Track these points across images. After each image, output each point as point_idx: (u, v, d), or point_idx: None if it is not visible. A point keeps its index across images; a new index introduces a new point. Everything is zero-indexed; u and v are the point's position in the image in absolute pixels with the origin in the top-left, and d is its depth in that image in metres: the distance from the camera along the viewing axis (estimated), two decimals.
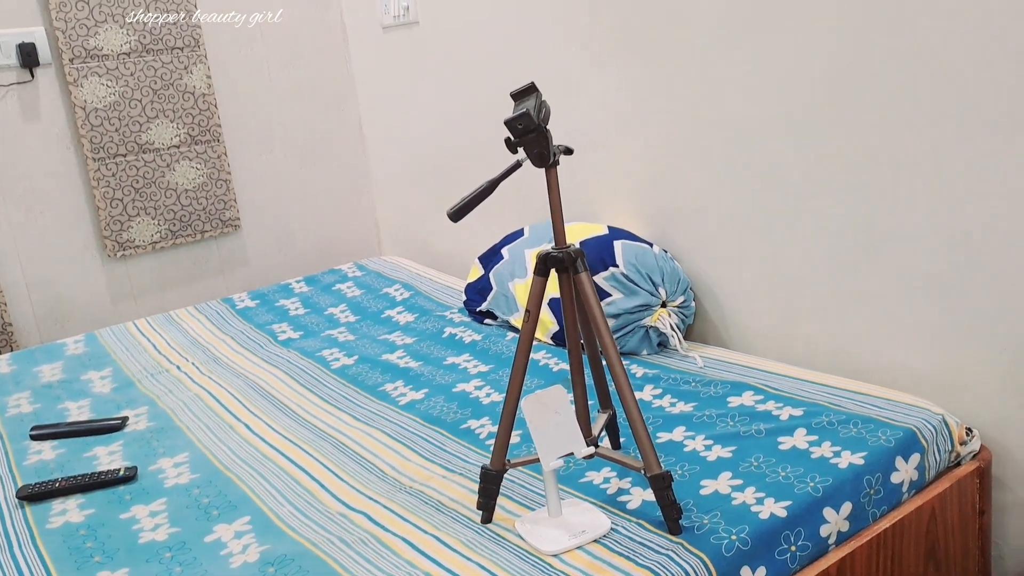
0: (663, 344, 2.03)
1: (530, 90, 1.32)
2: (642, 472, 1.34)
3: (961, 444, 1.60)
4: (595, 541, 1.33)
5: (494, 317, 2.35)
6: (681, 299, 2.02)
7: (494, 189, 1.35)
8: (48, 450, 1.88)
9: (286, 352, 2.31)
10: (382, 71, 3.07)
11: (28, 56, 2.59)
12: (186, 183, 2.89)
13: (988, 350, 1.60)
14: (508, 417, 1.40)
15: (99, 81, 2.70)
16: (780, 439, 1.56)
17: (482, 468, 1.41)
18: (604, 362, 1.47)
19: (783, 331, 1.95)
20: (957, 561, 1.60)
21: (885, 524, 1.46)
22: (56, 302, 2.77)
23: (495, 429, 1.74)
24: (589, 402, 1.75)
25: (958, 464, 1.61)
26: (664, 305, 2.01)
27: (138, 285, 2.90)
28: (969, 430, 1.62)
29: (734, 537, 1.30)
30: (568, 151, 1.38)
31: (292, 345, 2.36)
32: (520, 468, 1.58)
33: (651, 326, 1.99)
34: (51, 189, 2.71)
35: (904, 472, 1.50)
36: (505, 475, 1.56)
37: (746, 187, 1.94)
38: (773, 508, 1.36)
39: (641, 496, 1.44)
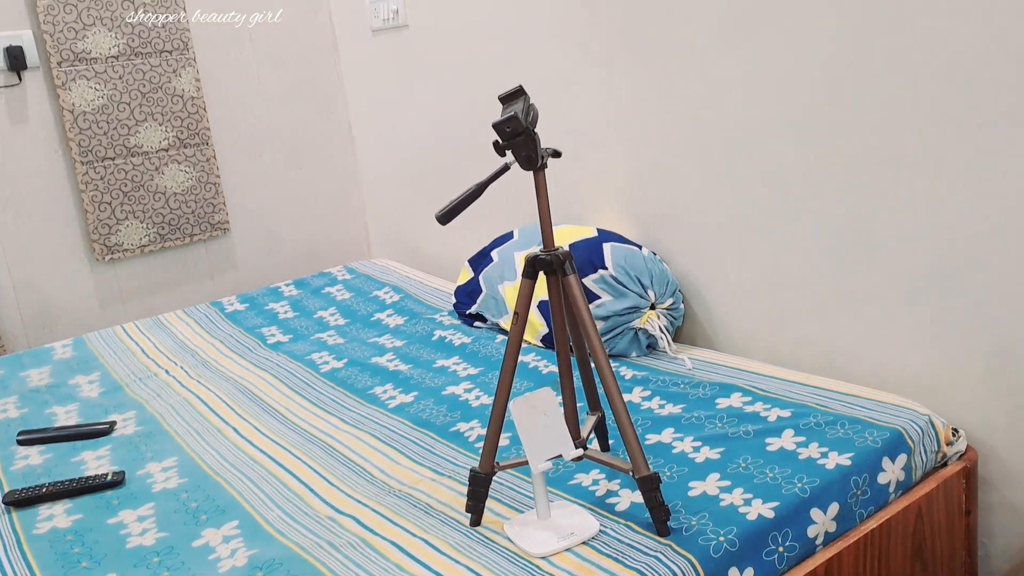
0: (652, 346, 2.03)
1: (518, 93, 1.32)
2: (630, 474, 1.34)
3: (947, 444, 1.60)
4: (584, 543, 1.33)
5: (484, 320, 2.35)
6: (670, 301, 2.03)
7: (482, 192, 1.36)
8: (35, 455, 1.87)
9: (275, 356, 2.30)
10: (371, 74, 3.07)
11: (15, 59, 2.58)
12: (175, 186, 2.88)
13: (974, 351, 1.61)
14: (497, 420, 1.40)
15: (87, 84, 2.69)
16: (768, 440, 1.57)
17: (471, 471, 1.41)
18: (592, 364, 1.47)
19: (771, 333, 1.96)
20: (944, 561, 1.61)
21: (872, 524, 1.46)
22: (44, 306, 2.76)
23: (484, 432, 1.74)
24: (578, 404, 1.75)
25: (944, 464, 1.62)
26: (653, 307, 2.01)
27: (127, 289, 2.89)
28: (955, 430, 1.63)
29: (722, 538, 1.31)
30: (556, 154, 1.39)
31: (281, 348, 2.36)
32: (509, 471, 1.59)
33: (640, 328, 1.99)
34: (39, 192, 2.70)
35: (891, 472, 1.51)
36: (494, 478, 1.56)
37: (735, 190, 1.94)
38: (761, 509, 1.37)
39: (630, 498, 1.45)
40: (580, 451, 1.40)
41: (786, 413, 1.65)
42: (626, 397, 1.81)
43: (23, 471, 1.80)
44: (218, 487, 1.65)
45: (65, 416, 2.06)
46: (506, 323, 2.24)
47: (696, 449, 1.57)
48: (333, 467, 1.68)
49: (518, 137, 1.30)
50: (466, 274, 2.42)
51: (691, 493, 1.44)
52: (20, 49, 2.59)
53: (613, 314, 1.97)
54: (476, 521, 1.43)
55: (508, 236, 2.36)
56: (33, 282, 2.73)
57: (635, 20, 2.05)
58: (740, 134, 1.90)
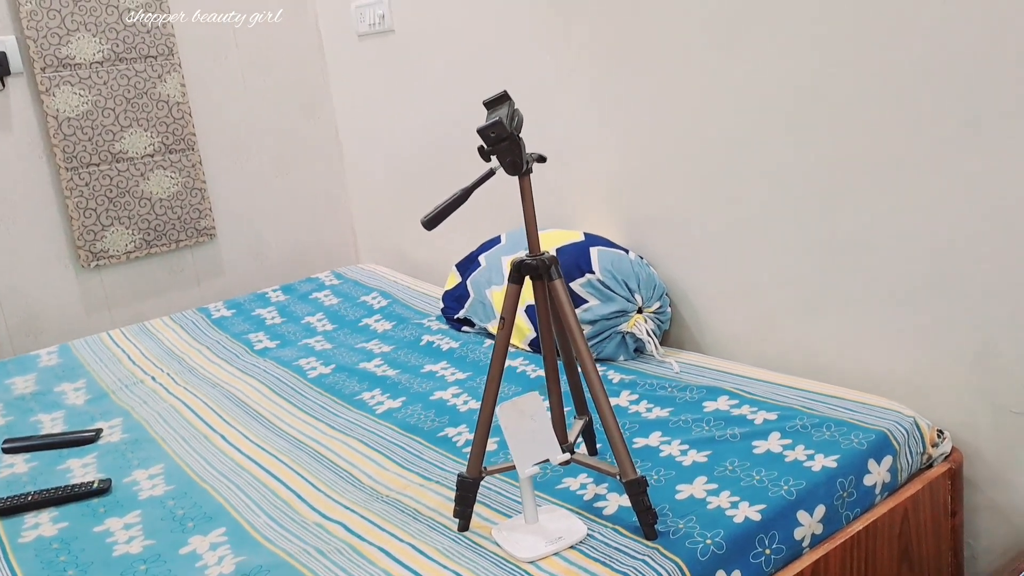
0: (639, 350, 2.04)
1: (503, 98, 1.32)
2: (618, 478, 1.35)
3: (933, 446, 1.61)
4: (571, 547, 1.34)
5: (472, 324, 2.35)
6: (657, 305, 2.03)
7: (468, 197, 1.36)
8: (21, 463, 1.86)
9: (262, 362, 2.30)
10: (358, 79, 3.07)
11: None
12: (160, 192, 2.87)
13: (959, 353, 1.62)
14: (484, 425, 1.40)
15: (71, 90, 2.68)
16: (754, 443, 1.57)
17: (458, 476, 1.41)
18: (579, 368, 1.47)
19: (758, 336, 1.97)
20: (930, 562, 1.62)
21: (858, 526, 1.47)
22: (29, 313, 2.74)
23: (472, 436, 1.74)
24: (565, 408, 1.75)
25: (930, 466, 1.63)
26: (640, 311, 2.02)
27: (112, 295, 2.87)
28: (940, 432, 1.64)
29: (709, 541, 1.31)
30: (541, 159, 1.39)
31: (268, 354, 2.35)
32: (497, 475, 1.59)
33: (627, 332, 1.99)
34: (23, 199, 2.69)
35: (877, 474, 1.52)
36: (482, 483, 1.56)
37: (721, 194, 1.95)
38: (747, 512, 1.37)
39: (617, 502, 1.45)
40: (567, 455, 1.40)
41: (772, 416, 1.66)
42: (614, 401, 1.81)
43: (8, 479, 1.79)
44: (205, 494, 1.64)
45: (51, 424, 2.05)
46: (494, 328, 2.25)
47: (683, 452, 1.58)
48: (320, 473, 1.67)
49: (503, 142, 1.30)
50: (454, 279, 2.42)
51: (678, 496, 1.44)
52: (3, 55, 2.58)
53: (600, 318, 1.98)
54: (464, 526, 1.43)
55: (496, 240, 2.37)
56: (18, 289, 2.71)
57: (622, 24, 2.06)
58: (728, 139, 1.90)
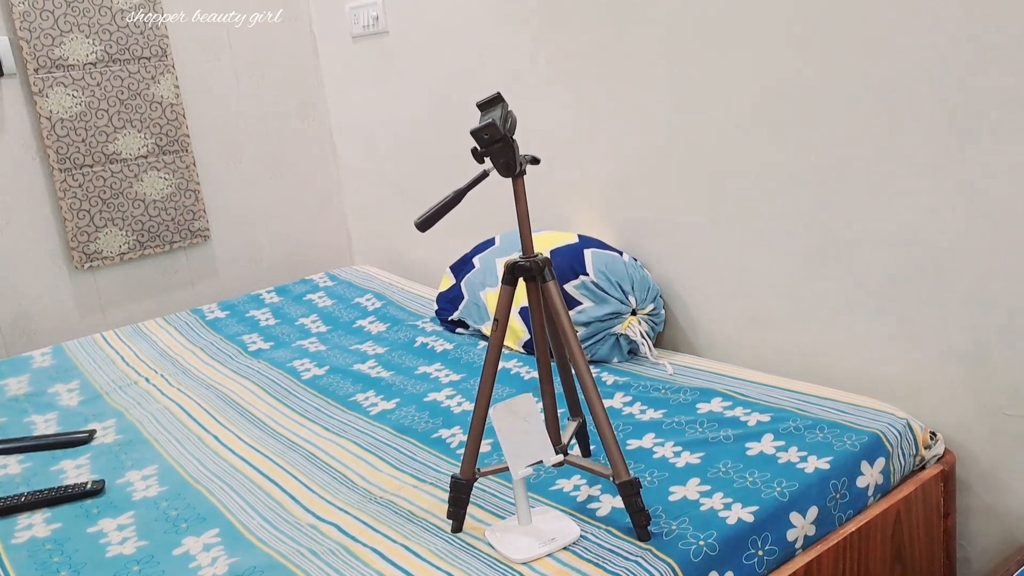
0: (633, 352, 2.04)
1: (496, 100, 1.32)
2: (611, 479, 1.35)
3: (925, 448, 1.62)
4: (565, 548, 1.34)
5: (466, 326, 2.35)
6: (651, 307, 2.04)
7: (461, 199, 1.36)
8: (14, 464, 1.86)
9: (256, 363, 2.29)
10: (352, 80, 3.07)
11: None
12: (154, 193, 2.87)
13: (951, 355, 1.63)
14: (477, 426, 1.40)
15: (65, 91, 2.67)
16: (748, 445, 1.57)
17: (452, 477, 1.41)
18: (573, 370, 1.48)
19: (751, 338, 1.97)
20: (923, 564, 1.62)
21: (851, 528, 1.47)
22: (22, 314, 2.73)
23: (466, 438, 1.74)
24: (559, 410, 1.75)
25: (923, 468, 1.63)
26: (634, 313, 2.02)
27: (106, 297, 2.87)
28: (933, 434, 1.65)
29: (702, 543, 1.32)
30: (535, 160, 1.39)
31: (262, 356, 2.35)
32: (490, 477, 1.59)
33: (621, 334, 2.00)
34: (16, 200, 2.68)
35: (869, 476, 1.52)
36: (475, 484, 1.57)
37: (715, 195, 1.96)
38: (740, 513, 1.38)
39: (611, 503, 1.45)
40: (561, 457, 1.40)
41: (765, 417, 1.66)
42: (607, 402, 1.82)
43: (1, 480, 1.78)
44: (199, 495, 1.64)
45: (44, 425, 2.04)
46: (488, 329, 2.25)
47: (677, 454, 1.58)
48: (314, 474, 1.67)
49: (496, 144, 1.30)
50: (448, 280, 2.42)
51: (671, 498, 1.44)
52: None
53: (594, 320, 1.98)
54: (458, 527, 1.43)
55: (490, 242, 2.37)
56: (11, 290, 2.71)
57: (612, 26, 2.06)
58: (718, 141, 1.91)
